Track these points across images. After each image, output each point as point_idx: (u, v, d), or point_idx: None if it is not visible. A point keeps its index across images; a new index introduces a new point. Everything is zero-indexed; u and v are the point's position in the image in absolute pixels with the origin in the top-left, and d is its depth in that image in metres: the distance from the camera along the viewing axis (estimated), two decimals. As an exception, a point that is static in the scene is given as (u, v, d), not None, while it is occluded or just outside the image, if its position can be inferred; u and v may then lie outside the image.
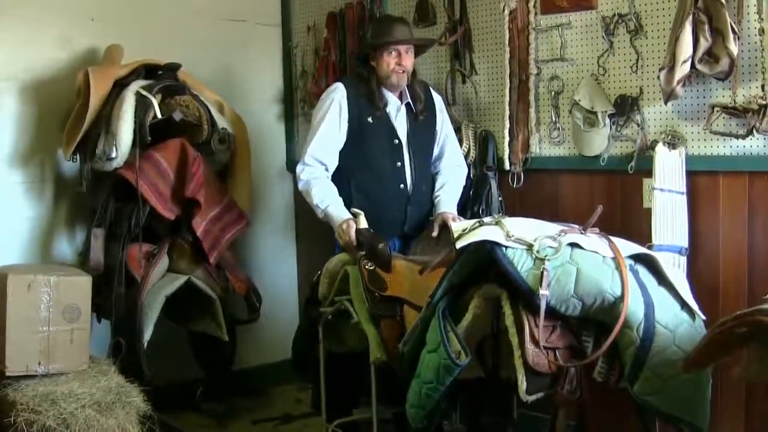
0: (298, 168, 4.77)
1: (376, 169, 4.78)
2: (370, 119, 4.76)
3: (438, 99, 5.04)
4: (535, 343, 3.39)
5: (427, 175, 4.89)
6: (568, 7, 4.67)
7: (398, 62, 4.71)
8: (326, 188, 4.69)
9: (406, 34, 4.79)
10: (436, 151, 4.97)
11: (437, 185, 4.90)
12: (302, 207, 6.32)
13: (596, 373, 3.46)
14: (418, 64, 5.20)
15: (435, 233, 4.67)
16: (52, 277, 4.48)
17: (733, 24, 3.87)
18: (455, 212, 4.77)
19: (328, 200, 4.65)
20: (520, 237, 3.46)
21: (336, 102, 4.76)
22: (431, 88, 5.07)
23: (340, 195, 4.71)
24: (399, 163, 4.79)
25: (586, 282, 3.37)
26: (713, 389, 3.57)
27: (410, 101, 4.85)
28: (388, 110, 4.81)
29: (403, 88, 4.82)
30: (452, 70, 5.27)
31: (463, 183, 4.96)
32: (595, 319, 3.48)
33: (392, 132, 4.80)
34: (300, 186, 4.77)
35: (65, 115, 5.11)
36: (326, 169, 4.75)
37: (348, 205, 4.68)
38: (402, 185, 4.79)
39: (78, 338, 4.51)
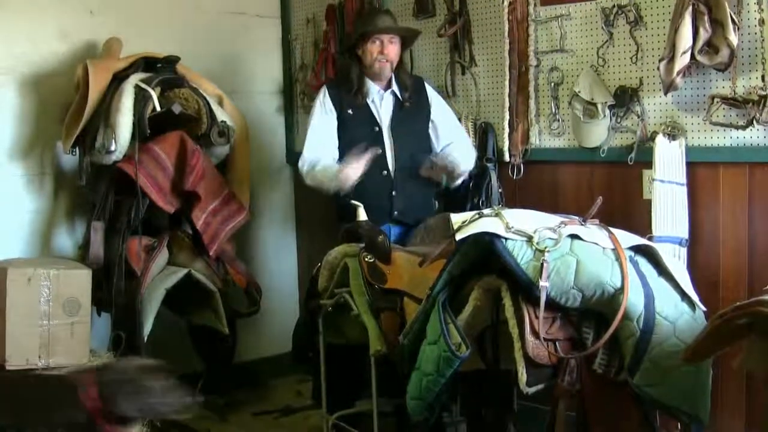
0: (300, 165, 4.92)
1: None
2: (350, 111, 4.90)
3: (435, 95, 5.08)
4: (535, 334, 3.39)
5: (415, 161, 4.89)
6: (567, -2, 4.68)
7: (381, 51, 4.80)
8: (323, 163, 4.81)
9: (389, 24, 4.86)
10: (441, 145, 4.99)
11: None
12: (302, 199, 6.34)
13: (596, 364, 3.46)
14: (417, 56, 5.24)
15: (425, 166, 4.79)
16: (52, 270, 4.47)
17: (732, 15, 3.87)
18: (455, 164, 4.80)
19: (325, 167, 4.78)
20: (520, 228, 3.46)
21: (320, 103, 4.96)
22: (428, 84, 5.11)
23: None
24: (379, 150, 4.84)
25: (586, 273, 3.37)
26: (714, 380, 3.57)
27: (396, 89, 4.92)
28: (370, 99, 4.92)
29: (389, 77, 4.91)
30: (452, 62, 5.27)
31: (471, 164, 4.93)
32: (596, 311, 3.48)
33: (372, 120, 4.90)
34: (304, 178, 4.91)
35: (64, 109, 5.11)
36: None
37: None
38: (384, 171, 4.86)
39: (78, 332, 4.51)
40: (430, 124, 5.00)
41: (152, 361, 3.59)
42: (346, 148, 4.85)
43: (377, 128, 4.88)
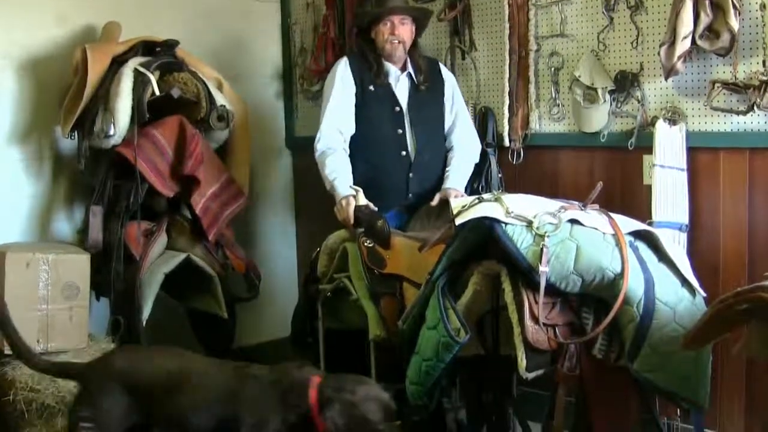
0: (316, 138, 4.82)
1: (378, 136, 4.82)
2: (371, 87, 4.83)
3: (449, 75, 5.05)
4: (535, 320, 3.39)
5: (432, 145, 4.89)
6: (568, -18, 4.67)
7: (392, 32, 4.77)
8: (338, 161, 4.72)
9: (399, 4, 4.84)
10: (447, 125, 4.97)
11: (448, 161, 4.91)
12: (301, 184, 6.34)
13: (596, 350, 3.46)
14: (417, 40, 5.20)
15: (434, 203, 4.69)
16: (51, 255, 4.48)
17: (733, -1, 3.86)
18: (461, 189, 4.76)
19: (336, 173, 4.67)
20: (520, 213, 3.45)
21: (340, 73, 4.86)
22: (442, 66, 5.09)
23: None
24: (400, 130, 4.82)
25: (585, 259, 3.36)
26: (714, 366, 3.58)
27: (411, 72, 4.88)
28: (389, 80, 4.86)
29: (403, 59, 4.86)
30: (452, 47, 5.26)
31: (476, 159, 4.94)
32: (595, 296, 3.48)
33: (393, 100, 4.84)
34: (316, 156, 4.81)
35: (63, 93, 5.08)
36: (344, 138, 4.80)
37: (353, 171, 4.73)
38: (403, 152, 4.81)
39: (77, 316, 4.51)
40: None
41: (386, 395, 3.50)
42: (367, 126, 4.82)
43: (398, 108, 4.83)
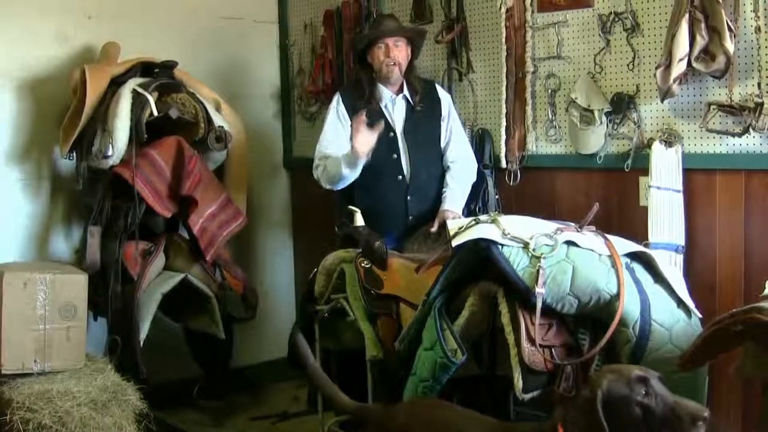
0: (314, 166, 4.94)
1: (374, 162, 4.82)
2: (364, 117, 4.80)
3: (445, 95, 5.08)
4: (531, 341, 3.39)
5: (429, 167, 4.92)
6: (564, 5, 4.67)
7: (387, 54, 4.81)
8: (332, 160, 4.81)
9: (391, 26, 4.89)
10: (443, 144, 4.99)
11: (445, 182, 4.93)
12: (299, 204, 6.34)
13: (593, 370, 3.46)
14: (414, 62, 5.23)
15: (433, 229, 4.70)
16: (48, 275, 4.47)
17: (729, 22, 3.87)
18: (458, 210, 4.79)
19: (337, 158, 4.77)
20: (517, 235, 3.46)
21: (334, 108, 4.97)
22: (439, 86, 5.13)
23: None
24: (395, 155, 4.86)
25: (581, 280, 3.37)
26: (710, 387, 3.57)
27: (406, 94, 4.91)
28: (382, 105, 4.91)
29: (399, 81, 4.91)
30: (449, 68, 5.27)
31: (473, 177, 4.97)
32: (592, 317, 3.48)
33: (387, 125, 4.86)
34: (318, 177, 4.93)
35: (62, 113, 5.11)
36: None
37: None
38: (399, 177, 4.86)
39: (74, 336, 4.50)
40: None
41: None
42: None
43: (392, 134, 4.88)
